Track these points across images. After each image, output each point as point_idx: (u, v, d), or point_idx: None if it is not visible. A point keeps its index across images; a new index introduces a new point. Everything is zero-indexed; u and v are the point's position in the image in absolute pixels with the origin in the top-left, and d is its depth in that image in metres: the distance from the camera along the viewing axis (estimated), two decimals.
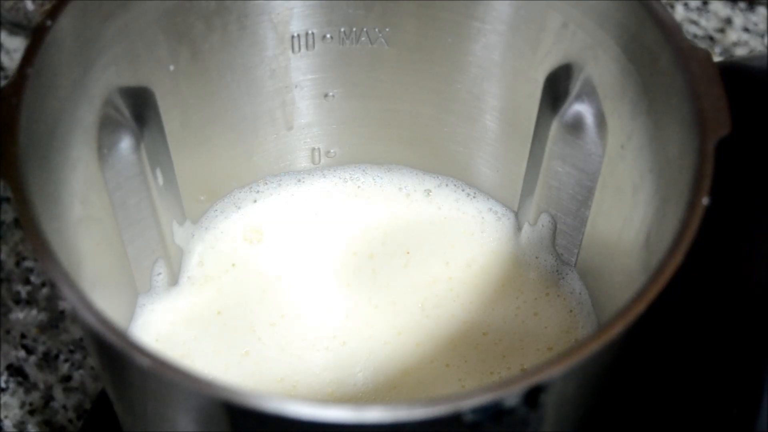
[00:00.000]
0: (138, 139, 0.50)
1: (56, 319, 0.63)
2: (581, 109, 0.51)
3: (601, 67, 0.48)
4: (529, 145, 0.55)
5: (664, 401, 0.50)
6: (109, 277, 0.51)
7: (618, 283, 0.50)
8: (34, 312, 0.63)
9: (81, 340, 0.62)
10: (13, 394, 0.60)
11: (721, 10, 0.77)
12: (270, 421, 0.35)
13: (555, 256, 0.57)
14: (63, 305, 0.63)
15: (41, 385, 0.61)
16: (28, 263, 0.65)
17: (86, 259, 0.45)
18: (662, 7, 0.44)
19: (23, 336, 0.62)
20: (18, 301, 0.63)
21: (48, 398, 0.60)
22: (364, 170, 0.60)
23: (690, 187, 0.40)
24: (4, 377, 0.61)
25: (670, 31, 0.44)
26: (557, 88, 0.52)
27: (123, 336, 0.36)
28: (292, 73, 0.55)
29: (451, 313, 0.55)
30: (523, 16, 0.50)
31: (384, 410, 0.34)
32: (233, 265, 0.57)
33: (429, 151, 0.59)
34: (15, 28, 0.74)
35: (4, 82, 0.45)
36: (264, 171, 0.59)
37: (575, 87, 0.51)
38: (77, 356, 0.61)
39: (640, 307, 0.37)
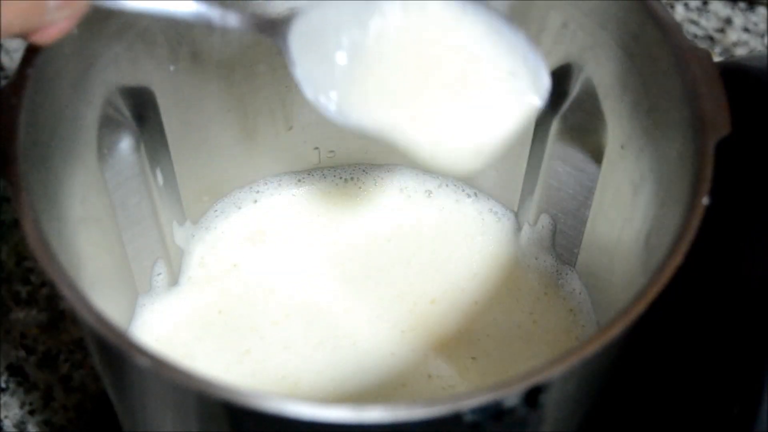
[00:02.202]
0: (138, 139, 0.50)
1: (56, 319, 0.63)
2: (581, 109, 0.51)
3: (601, 67, 0.48)
4: (529, 145, 0.55)
5: (664, 401, 0.50)
6: (109, 277, 0.51)
7: (618, 283, 0.50)
8: (34, 312, 0.63)
9: (81, 340, 0.62)
10: (13, 394, 0.60)
11: (721, 10, 0.77)
12: (270, 421, 0.35)
13: (555, 257, 0.57)
14: (63, 305, 0.63)
15: (41, 385, 0.61)
16: (28, 263, 0.65)
17: (86, 259, 0.45)
18: (662, 7, 0.44)
19: (23, 336, 0.62)
20: (18, 301, 0.63)
21: (48, 398, 0.60)
22: (364, 170, 0.60)
23: (690, 187, 0.40)
24: (4, 377, 0.61)
25: (670, 31, 0.44)
26: (557, 88, 0.52)
27: (123, 336, 0.36)
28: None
29: (451, 313, 0.55)
30: (523, 16, 0.50)
31: (384, 410, 0.34)
32: (234, 265, 0.57)
33: None
34: None
35: (4, 82, 0.45)
36: (264, 171, 0.59)
37: (575, 87, 0.51)
38: (77, 356, 0.61)
39: (640, 307, 0.37)
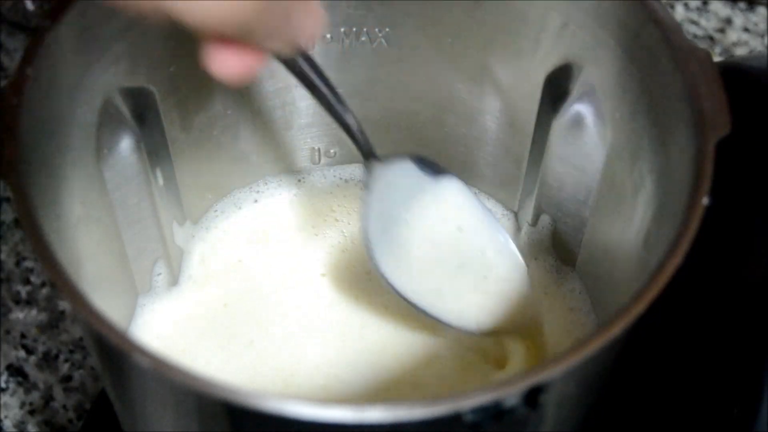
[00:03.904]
0: (138, 139, 0.50)
1: (56, 319, 0.63)
2: (581, 109, 0.51)
3: (601, 67, 0.48)
4: (529, 145, 0.55)
5: (664, 401, 0.50)
6: (109, 277, 0.51)
7: (618, 283, 0.50)
8: (34, 312, 0.63)
9: (81, 340, 0.62)
10: (13, 394, 0.60)
11: (721, 10, 0.77)
12: (270, 421, 0.35)
13: (555, 257, 0.57)
14: (63, 305, 0.63)
15: (41, 385, 0.61)
16: (28, 263, 0.65)
17: (86, 259, 0.45)
18: (662, 7, 0.44)
19: (23, 336, 0.62)
20: (18, 301, 0.63)
21: (48, 398, 0.60)
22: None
23: (690, 187, 0.40)
24: (4, 377, 0.61)
25: (670, 31, 0.44)
26: (557, 88, 0.52)
27: (123, 336, 0.36)
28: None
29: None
30: (523, 16, 0.50)
31: (384, 410, 0.34)
32: (233, 265, 0.57)
33: (429, 151, 0.59)
34: (15, 28, 0.74)
35: (4, 82, 0.45)
36: (264, 171, 0.59)
37: (575, 87, 0.51)
38: (77, 356, 0.61)
39: (640, 307, 0.37)
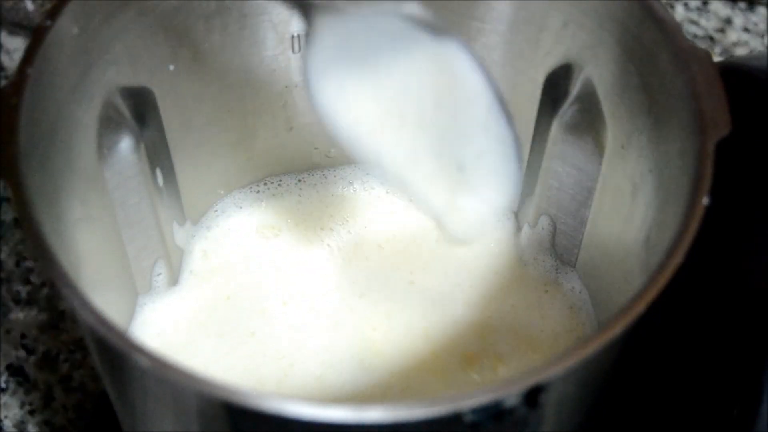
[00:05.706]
0: (138, 139, 0.50)
1: (56, 319, 0.63)
2: (581, 109, 0.51)
3: (601, 67, 0.48)
4: (529, 145, 0.55)
5: (664, 401, 0.50)
6: (109, 277, 0.51)
7: (618, 283, 0.50)
8: (34, 312, 0.63)
9: (81, 340, 0.62)
10: (13, 394, 0.60)
11: (721, 10, 0.77)
12: (270, 421, 0.35)
13: (555, 257, 0.57)
14: (63, 305, 0.63)
15: (41, 385, 0.61)
16: (28, 263, 0.65)
17: (86, 259, 0.45)
18: (662, 7, 0.44)
19: (23, 336, 0.62)
20: (18, 301, 0.63)
21: (48, 398, 0.60)
22: (364, 170, 0.60)
23: (690, 187, 0.40)
24: (4, 377, 0.61)
25: (670, 31, 0.44)
26: (557, 88, 0.52)
27: (123, 336, 0.36)
28: (292, 73, 0.55)
29: (450, 312, 0.55)
30: (523, 16, 0.50)
31: (384, 410, 0.34)
32: (233, 264, 0.57)
33: None
34: (15, 28, 0.74)
35: (4, 82, 0.45)
36: (264, 171, 0.59)
37: (575, 87, 0.51)
38: (77, 356, 0.61)
39: (640, 307, 0.37)
